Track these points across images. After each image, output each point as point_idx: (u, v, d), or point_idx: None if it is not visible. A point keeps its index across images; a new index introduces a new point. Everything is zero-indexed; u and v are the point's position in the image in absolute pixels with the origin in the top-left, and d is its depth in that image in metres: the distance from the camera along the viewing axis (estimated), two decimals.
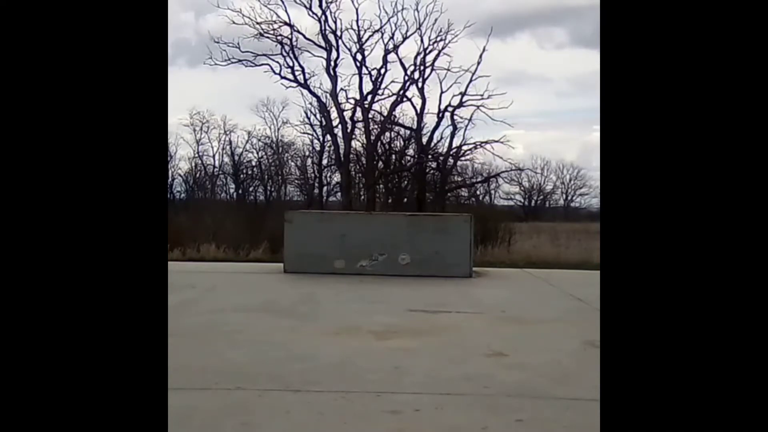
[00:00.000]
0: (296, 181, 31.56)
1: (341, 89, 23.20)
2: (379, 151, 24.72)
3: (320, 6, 22.56)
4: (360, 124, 23.62)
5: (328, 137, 25.59)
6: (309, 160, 30.19)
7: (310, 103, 25.09)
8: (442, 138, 24.15)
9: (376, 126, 23.93)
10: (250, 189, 32.98)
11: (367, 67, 23.16)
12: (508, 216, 21.85)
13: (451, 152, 23.92)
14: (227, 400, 3.12)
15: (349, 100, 23.42)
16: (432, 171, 25.02)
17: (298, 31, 22.73)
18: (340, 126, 23.65)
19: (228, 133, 32.83)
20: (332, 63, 22.92)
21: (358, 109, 23.39)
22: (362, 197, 24.11)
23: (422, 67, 22.96)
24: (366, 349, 4.26)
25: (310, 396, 3.18)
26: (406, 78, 23.10)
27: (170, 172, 31.19)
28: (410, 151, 25.11)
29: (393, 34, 23.35)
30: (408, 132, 24.60)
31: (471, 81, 22.31)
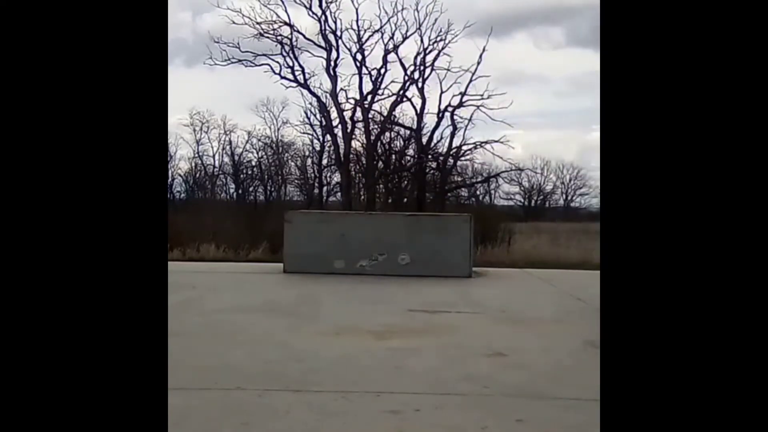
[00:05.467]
0: (296, 181, 31.57)
1: (341, 89, 23.21)
2: (379, 151, 24.71)
3: (320, 6, 22.56)
4: (360, 124, 23.64)
5: (328, 137, 25.60)
6: (309, 160, 30.19)
7: (310, 103, 25.10)
8: (442, 138, 24.17)
9: (376, 126, 23.93)
10: (250, 189, 32.98)
11: (367, 67, 23.17)
12: (508, 216, 21.85)
13: (451, 152, 23.92)
14: (227, 400, 3.12)
15: (349, 100, 23.43)
16: (432, 171, 25.02)
17: (298, 31, 22.74)
18: (340, 126, 23.65)
19: (228, 133, 32.85)
20: (332, 63, 22.93)
21: (358, 109, 23.40)
22: (362, 197, 24.12)
23: (422, 67, 22.97)
24: (366, 349, 4.26)
25: (310, 396, 3.18)
26: (406, 78, 23.11)
27: (170, 172, 31.20)
28: (410, 151, 25.11)
29: (393, 34, 23.34)
30: (408, 132, 24.60)
31: (471, 81, 22.34)
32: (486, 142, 23.03)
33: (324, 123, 25.17)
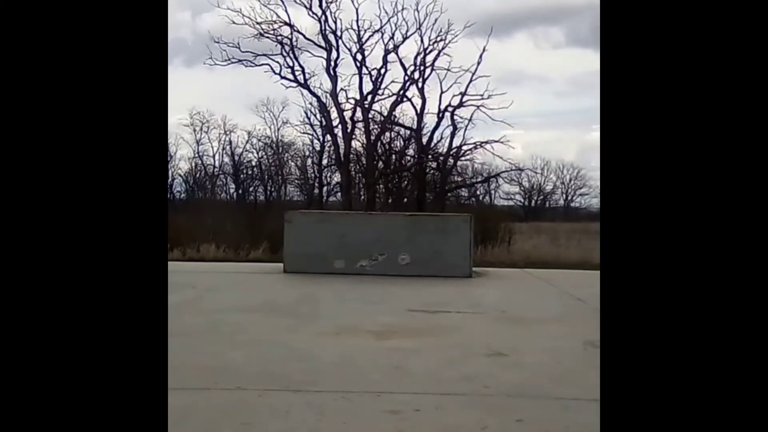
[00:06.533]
0: (296, 181, 31.58)
1: (341, 89, 23.20)
2: (379, 151, 24.71)
3: (320, 6, 22.56)
4: (360, 124, 23.63)
5: (328, 137, 25.60)
6: (309, 160, 30.22)
7: (310, 103, 25.10)
8: (442, 138, 24.19)
9: (376, 126, 23.92)
10: (250, 189, 33.00)
11: (367, 67, 23.16)
12: (508, 216, 21.83)
13: (451, 152, 23.92)
14: (227, 400, 3.12)
15: (349, 100, 23.42)
16: (432, 171, 25.01)
17: (298, 31, 22.73)
18: (340, 126, 23.65)
19: (228, 133, 32.85)
20: (332, 63, 22.92)
21: (358, 109, 23.39)
22: (362, 197, 24.12)
23: (422, 67, 22.98)
24: (366, 349, 4.26)
25: (310, 396, 3.18)
26: (406, 78, 23.10)
27: (170, 172, 31.19)
28: (410, 151, 25.12)
29: (393, 34, 23.38)
30: (408, 132, 24.60)
31: (471, 81, 22.35)
32: (486, 142, 23.04)
33: (324, 123, 25.17)
